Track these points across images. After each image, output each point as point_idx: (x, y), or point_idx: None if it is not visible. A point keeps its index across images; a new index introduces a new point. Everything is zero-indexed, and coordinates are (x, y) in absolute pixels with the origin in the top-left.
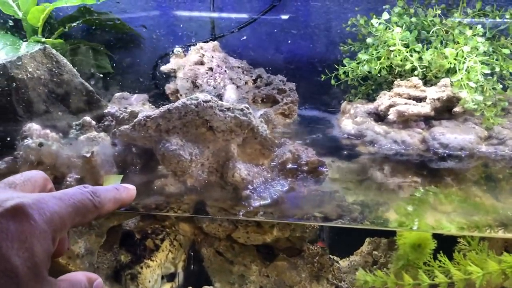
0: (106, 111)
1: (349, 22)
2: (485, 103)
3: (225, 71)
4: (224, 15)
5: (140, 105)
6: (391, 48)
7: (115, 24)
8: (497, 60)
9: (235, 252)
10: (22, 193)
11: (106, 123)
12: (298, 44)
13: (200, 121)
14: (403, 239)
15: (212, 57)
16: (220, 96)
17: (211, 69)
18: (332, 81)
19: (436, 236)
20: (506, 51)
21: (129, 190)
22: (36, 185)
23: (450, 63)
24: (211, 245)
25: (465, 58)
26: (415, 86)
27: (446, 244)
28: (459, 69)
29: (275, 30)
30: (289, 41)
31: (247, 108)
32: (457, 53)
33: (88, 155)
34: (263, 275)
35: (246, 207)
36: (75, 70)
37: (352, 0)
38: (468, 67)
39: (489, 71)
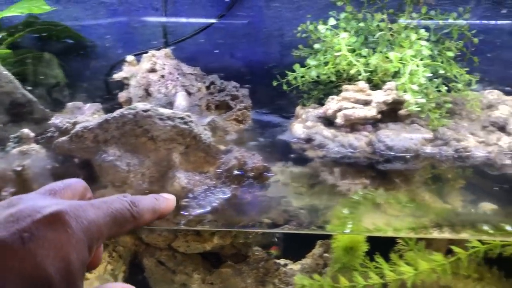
0: (50, 122)
1: (299, 28)
2: (429, 105)
3: (178, 78)
4: (178, 21)
5: (90, 115)
6: (336, 54)
7: (66, 33)
8: (442, 62)
9: (177, 261)
10: (61, 200)
11: (49, 134)
12: (254, 50)
13: (139, 131)
14: (337, 242)
15: (164, 64)
16: (171, 104)
17: (163, 76)
18: (284, 87)
19: (377, 238)
20: (451, 54)
21: (168, 200)
22: (75, 193)
23: (395, 67)
24: (152, 255)
25: (408, 62)
26: (361, 90)
27: (386, 246)
28: (403, 73)
29: (231, 36)
30: (245, 47)
31: (188, 116)
32: (402, 57)
33: (19, 168)
34: (207, 283)
35: (185, 216)
36: (17, 81)
37: (305, 6)
38: (411, 70)
39: (431, 74)
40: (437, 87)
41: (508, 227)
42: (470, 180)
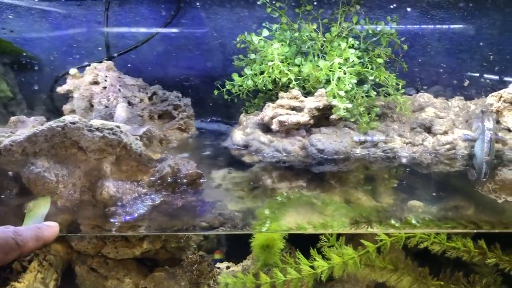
0: None
1: (238, 39)
2: (358, 109)
3: (119, 89)
4: (120, 32)
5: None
6: (269, 63)
7: (9, 47)
8: (372, 69)
9: (109, 267)
10: None
11: None
12: (199, 60)
13: (69, 142)
14: (255, 241)
15: (106, 76)
16: (112, 115)
17: (105, 88)
18: (225, 96)
19: (303, 235)
20: (380, 60)
21: (51, 228)
22: None
23: (325, 74)
24: (84, 263)
25: (336, 70)
26: (295, 97)
27: (313, 243)
28: (332, 80)
29: (175, 47)
30: (189, 57)
31: (118, 127)
32: (331, 65)
33: None
34: (142, 287)
35: (113, 223)
36: None
37: (245, 18)
38: (338, 77)
39: (355, 81)
40: (367, 92)
41: (413, 221)
42: (400, 179)
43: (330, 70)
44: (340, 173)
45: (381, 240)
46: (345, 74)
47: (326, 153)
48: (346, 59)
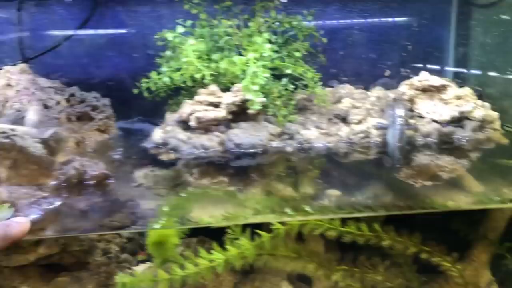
0: None
1: (156, 36)
2: (274, 103)
3: (34, 92)
4: (37, 34)
5: None
6: (184, 60)
7: None
8: (291, 63)
9: (4, 275)
10: None
11: None
12: (124, 59)
13: None
14: (149, 238)
15: (20, 79)
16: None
17: (18, 91)
18: (145, 93)
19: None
20: (298, 54)
21: (21, 224)
22: None
23: (240, 69)
24: None
25: (251, 64)
26: (212, 93)
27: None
28: (247, 75)
29: (95, 48)
30: (112, 57)
31: (12, 130)
32: (246, 60)
33: None
34: None
35: None
36: None
37: (166, 15)
38: (252, 72)
39: (268, 75)
40: (285, 86)
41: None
42: (317, 169)
43: (246, 65)
44: (258, 166)
45: (276, 229)
46: (258, 68)
47: (242, 147)
48: (262, 54)
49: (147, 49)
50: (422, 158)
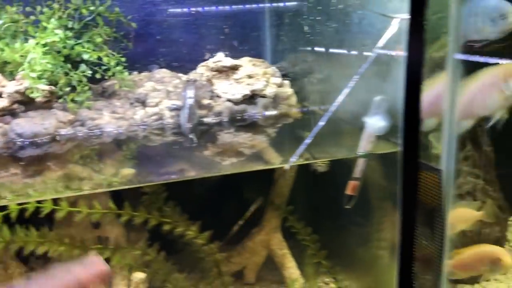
0: None
1: None
2: (64, 90)
3: None
4: None
5: None
6: None
7: None
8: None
9: None
10: None
11: None
12: None
13: None
14: None
15: None
16: None
17: None
18: None
19: None
20: (100, 39)
21: None
22: None
23: (22, 56)
24: None
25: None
26: None
27: None
28: (25, 62)
29: None
30: None
31: None
32: (29, 47)
33: None
34: None
35: None
36: None
37: None
38: (31, 59)
39: (47, 60)
40: (83, 72)
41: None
42: (115, 152)
43: (27, 53)
44: (60, 154)
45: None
46: (39, 55)
47: (24, 136)
48: (52, 41)
49: None
50: (218, 136)
